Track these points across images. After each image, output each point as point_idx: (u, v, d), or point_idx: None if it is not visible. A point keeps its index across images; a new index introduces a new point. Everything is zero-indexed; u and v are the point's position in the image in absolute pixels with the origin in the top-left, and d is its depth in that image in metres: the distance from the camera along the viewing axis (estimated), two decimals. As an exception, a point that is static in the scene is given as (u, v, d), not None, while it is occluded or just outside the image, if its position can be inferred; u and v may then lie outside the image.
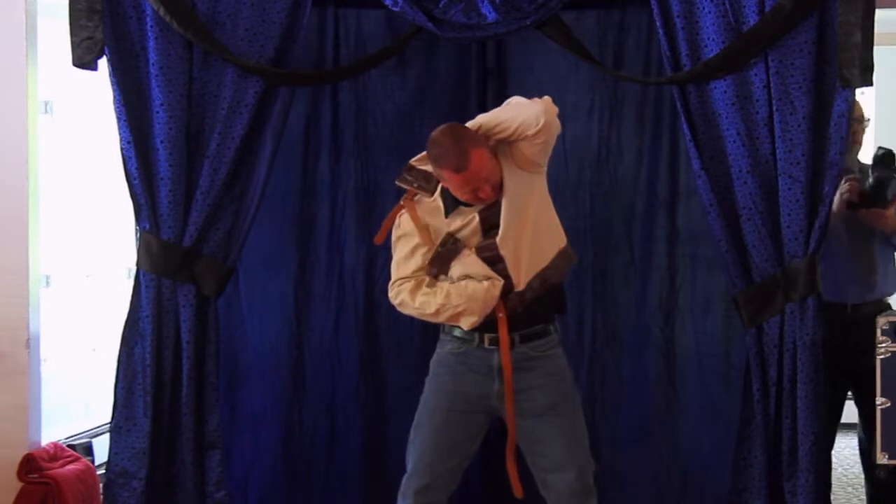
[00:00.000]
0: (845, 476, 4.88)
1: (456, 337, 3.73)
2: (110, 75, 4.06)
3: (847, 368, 4.16)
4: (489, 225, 3.65)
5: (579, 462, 3.66)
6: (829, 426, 4.28)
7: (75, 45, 4.04)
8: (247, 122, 4.08)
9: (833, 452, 4.29)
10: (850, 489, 5.42)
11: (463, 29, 4.06)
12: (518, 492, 3.70)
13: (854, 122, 4.19)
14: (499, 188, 3.62)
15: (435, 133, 3.64)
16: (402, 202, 3.73)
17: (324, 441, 4.57)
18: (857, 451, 4.50)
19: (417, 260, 3.69)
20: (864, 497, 4.59)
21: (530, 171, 3.66)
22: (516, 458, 3.72)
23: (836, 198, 4.12)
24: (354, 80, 4.49)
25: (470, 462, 3.82)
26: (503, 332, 3.64)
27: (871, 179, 4.21)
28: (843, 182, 4.12)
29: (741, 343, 4.15)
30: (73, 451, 4.33)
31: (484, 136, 3.60)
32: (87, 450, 4.50)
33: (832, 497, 4.14)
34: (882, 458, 3.75)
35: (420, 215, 3.69)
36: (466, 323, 3.64)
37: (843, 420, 4.39)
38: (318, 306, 4.57)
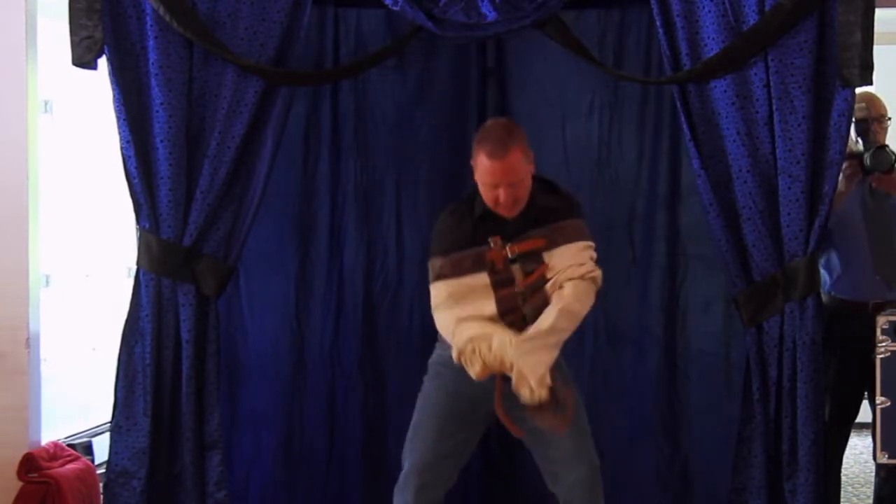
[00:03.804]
0: (845, 476, 4.88)
1: None
2: (110, 74, 4.06)
3: (866, 369, 4.13)
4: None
5: (588, 456, 3.68)
6: (843, 427, 4.29)
7: (75, 45, 4.04)
8: (247, 121, 4.08)
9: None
10: (849, 489, 5.41)
11: (463, 28, 4.06)
12: (517, 432, 3.66)
13: (873, 122, 4.21)
14: (518, 206, 3.60)
15: (492, 119, 3.79)
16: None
17: (324, 441, 4.57)
18: (857, 452, 4.49)
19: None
20: (863, 497, 4.60)
21: None
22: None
23: (842, 183, 4.10)
24: (354, 80, 4.49)
25: (469, 460, 3.82)
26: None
27: (866, 153, 4.21)
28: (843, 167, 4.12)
29: (741, 343, 4.15)
30: (73, 451, 4.32)
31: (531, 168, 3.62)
32: (87, 449, 4.50)
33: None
34: (882, 458, 3.76)
35: None
36: (472, 371, 3.57)
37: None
38: (318, 306, 4.57)
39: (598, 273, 3.63)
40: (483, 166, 3.57)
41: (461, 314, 3.58)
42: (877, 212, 4.24)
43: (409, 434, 3.77)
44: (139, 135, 4.08)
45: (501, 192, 3.56)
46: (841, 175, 4.11)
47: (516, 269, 3.62)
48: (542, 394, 3.43)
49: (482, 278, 3.61)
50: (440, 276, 3.65)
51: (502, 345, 3.48)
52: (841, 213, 4.17)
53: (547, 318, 3.52)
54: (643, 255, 4.48)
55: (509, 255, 3.62)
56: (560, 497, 3.72)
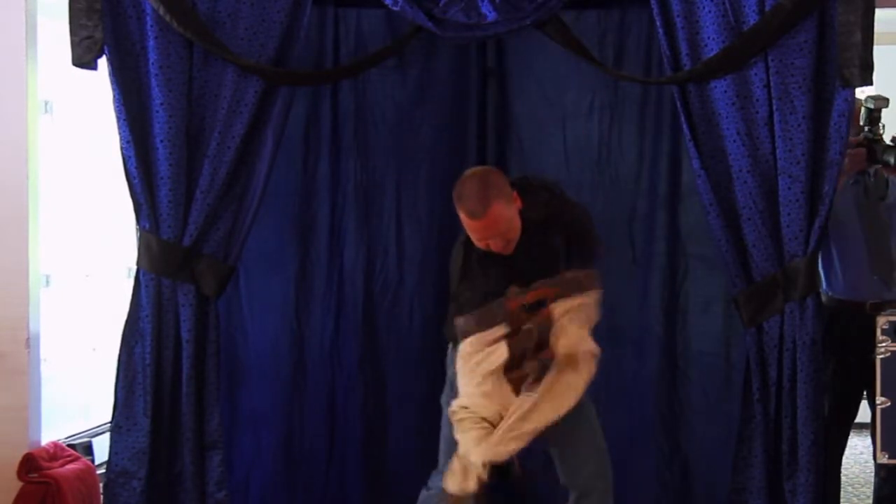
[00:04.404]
0: (845, 476, 4.88)
1: None
2: (110, 75, 4.06)
3: (864, 369, 4.12)
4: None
5: (600, 455, 3.76)
6: (843, 427, 4.29)
7: (75, 45, 4.04)
8: (247, 121, 4.08)
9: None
10: (849, 489, 5.42)
11: (463, 28, 4.06)
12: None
13: None
14: (514, 243, 3.60)
15: (469, 171, 3.73)
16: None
17: (324, 441, 4.57)
18: (857, 451, 4.49)
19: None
20: (863, 497, 4.60)
21: None
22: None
23: (845, 172, 4.08)
24: (354, 80, 4.49)
25: None
26: None
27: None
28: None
29: (741, 343, 4.15)
30: (73, 451, 4.32)
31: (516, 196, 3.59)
32: (87, 449, 4.49)
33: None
34: (882, 458, 3.75)
35: None
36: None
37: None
38: (318, 306, 4.57)
39: (593, 348, 3.61)
40: (466, 224, 3.60)
41: (478, 365, 3.60)
42: (872, 212, 4.23)
43: (441, 458, 3.80)
44: (139, 135, 4.08)
45: (491, 242, 3.61)
46: (847, 162, 4.08)
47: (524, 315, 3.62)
48: (469, 486, 3.50)
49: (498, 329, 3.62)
50: (464, 336, 3.66)
51: (466, 445, 3.54)
52: (837, 213, 4.17)
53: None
54: (643, 255, 4.48)
55: (525, 304, 3.59)
56: (576, 489, 3.76)
